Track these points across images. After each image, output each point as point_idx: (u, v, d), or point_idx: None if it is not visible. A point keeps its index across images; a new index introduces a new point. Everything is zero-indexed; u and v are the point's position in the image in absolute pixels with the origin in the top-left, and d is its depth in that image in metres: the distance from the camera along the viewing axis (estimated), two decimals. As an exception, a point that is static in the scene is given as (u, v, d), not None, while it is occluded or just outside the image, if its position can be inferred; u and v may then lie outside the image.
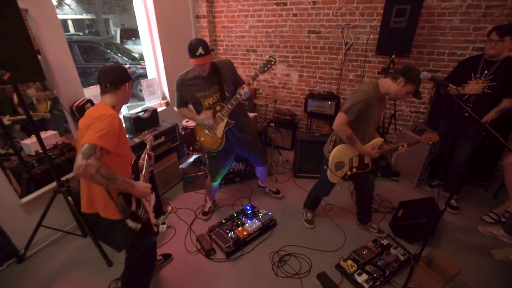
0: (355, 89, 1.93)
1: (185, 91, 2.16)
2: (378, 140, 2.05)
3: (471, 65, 2.41)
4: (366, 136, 1.99)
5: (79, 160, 1.20)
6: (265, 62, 2.00)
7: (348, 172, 2.10)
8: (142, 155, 1.82)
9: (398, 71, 1.80)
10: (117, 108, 1.54)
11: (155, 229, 1.75)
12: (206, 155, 2.48)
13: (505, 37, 2.13)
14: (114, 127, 1.36)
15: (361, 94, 1.80)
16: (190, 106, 2.32)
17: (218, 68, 2.11)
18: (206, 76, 2.09)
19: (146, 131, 2.86)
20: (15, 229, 2.18)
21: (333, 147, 2.02)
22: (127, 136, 2.97)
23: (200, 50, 1.89)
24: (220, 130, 2.23)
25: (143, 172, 1.70)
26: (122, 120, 3.13)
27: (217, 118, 2.20)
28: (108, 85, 1.48)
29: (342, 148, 2.00)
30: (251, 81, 2.04)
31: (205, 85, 2.11)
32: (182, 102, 2.27)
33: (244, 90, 2.03)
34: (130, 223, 1.42)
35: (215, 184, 2.59)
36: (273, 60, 1.99)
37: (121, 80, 1.52)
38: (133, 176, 1.55)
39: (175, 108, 2.31)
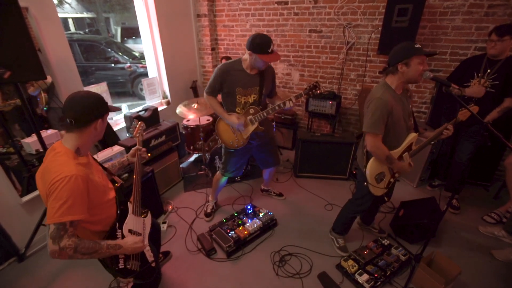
0: (367, 99, 1.72)
1: (226, 78, 2.03)
2: (411, 138, 1.79)
3: (474, 64, 2.40)
4: (396, 138, 1.76)
5: (51, 246, 1.02)
6: (311, 86, 2.04)
7: (391, 180, 1.91)
8: (132, 151, 1.64)
9: (390, 63, 1.64)
10: (83, 150, 1.23)
11: (153, 264, 1.52)
12: (222, 150, 2.42)
13: (504, 36, 2.14)
14: (79, 190, 1.09)
15: (376, 103, 1.61)
16: (218, 97, 2.19)
17: (263, 71, 2.08)
18: (252, 74, 2.05)
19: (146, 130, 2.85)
20: (16, 228, 2.18)
21: (367, 160, 1.81)
22: (127, 135, 2.98)
23: (272, 46, 1.84)
24: (247, 132, 2.20)
25: (135, 176, 1.51)
26: (122, 119, 3.13)
27: (248, 121, 2.17)
28: (72, 121, 1.13)
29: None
30: (293, 98, 2.05)
31: (248, 82, 2.06)
32: (214, 90, 2.11)
33: (289, 104, 2.05)
34: (121, 281, 1.29)
35: (224, 179, 2.55)
36: (319, 87, 2.06)
37: (91, 117, 1.17)
38: (118, 211, 1.36)
39: (204, 94, 2.17)
